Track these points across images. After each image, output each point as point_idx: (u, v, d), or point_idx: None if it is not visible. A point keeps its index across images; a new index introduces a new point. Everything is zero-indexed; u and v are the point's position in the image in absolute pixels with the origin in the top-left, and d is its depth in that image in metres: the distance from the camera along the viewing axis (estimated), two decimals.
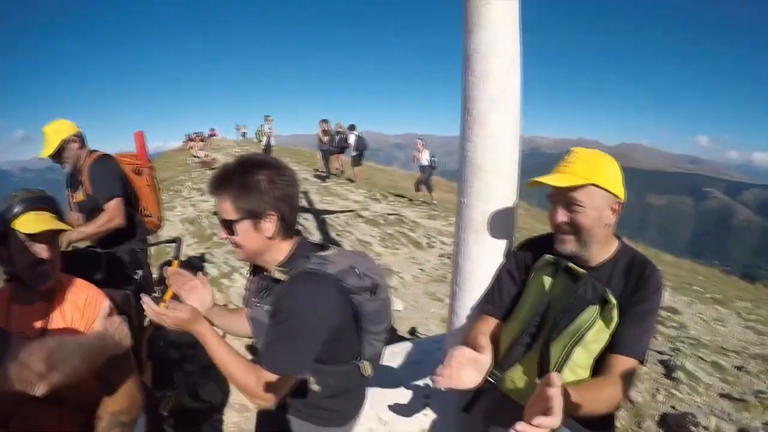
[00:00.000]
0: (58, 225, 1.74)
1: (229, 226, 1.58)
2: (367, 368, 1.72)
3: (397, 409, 2.28)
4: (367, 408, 2.29)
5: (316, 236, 8.28)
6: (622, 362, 1.64)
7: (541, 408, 1.15)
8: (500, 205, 2.10)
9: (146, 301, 1.67)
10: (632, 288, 1.70)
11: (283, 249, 1.64)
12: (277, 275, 1.61)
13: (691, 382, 3.95)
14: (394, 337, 4.80)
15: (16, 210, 1.69)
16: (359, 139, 15.94)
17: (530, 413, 1.17)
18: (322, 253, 1.63)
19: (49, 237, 1.74)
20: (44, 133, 3.35)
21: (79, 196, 3.38)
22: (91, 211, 3.33)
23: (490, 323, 1.96)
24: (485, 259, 2.14)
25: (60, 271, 1.83)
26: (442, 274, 7.08)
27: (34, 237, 1.69)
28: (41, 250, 1.71)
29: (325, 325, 1.53)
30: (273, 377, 1.51)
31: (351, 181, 16.23)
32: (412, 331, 5.00)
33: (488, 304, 2.02)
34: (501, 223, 2.11)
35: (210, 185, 1.60)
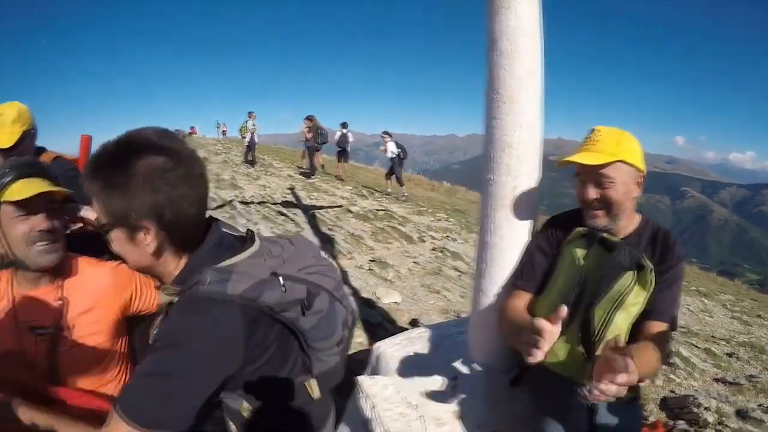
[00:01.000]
0: (52, 188, 1.52)
1: (103, 229, 1.19)
2: (313, 388, 1.34)
3: (426, 392, 2.26)
4: (392, 393, 2.27)
5: (306, 231, 8.23)
6: (657, 327, 1.73)
7: (609, 368, 1.15)
8: (527, 181, 2.13)
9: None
10: (659, 257, 1.80)
11: (180, 261, 1.22)
12: (165, 297, 1.24)
13: (687, 367, 4.12)
14: (395, 329, 4.80)
15: (3, 181, 1.48)
16: (342, 136, 15.96)
17: (601, 375, 1.17)
18: (228, 262, 1.18)
19: (46, 205, 1.52)
20: None
21: None
22: None
23: (524, 298, 2.00)
24: (513, 235, 2.16)
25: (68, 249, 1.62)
26: (436, 267, 7.11)
27: (27, 207, 1.48)
28: (38, 221, 1.50)
29: (212, 370, 1.12)
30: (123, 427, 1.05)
31: (338, 178, 16.17)
32: (414, 323, 4.99)
33: (521, 279, 2.05)
34: (527, 199, 2.13)
35: (83, 171, 1.18)
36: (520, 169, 2.10)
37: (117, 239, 1.16)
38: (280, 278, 1.19)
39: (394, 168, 14.40)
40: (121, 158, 1.09)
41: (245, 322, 1.13)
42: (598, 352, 1.67)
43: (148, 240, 1.13)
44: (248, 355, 1.16)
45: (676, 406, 3.46)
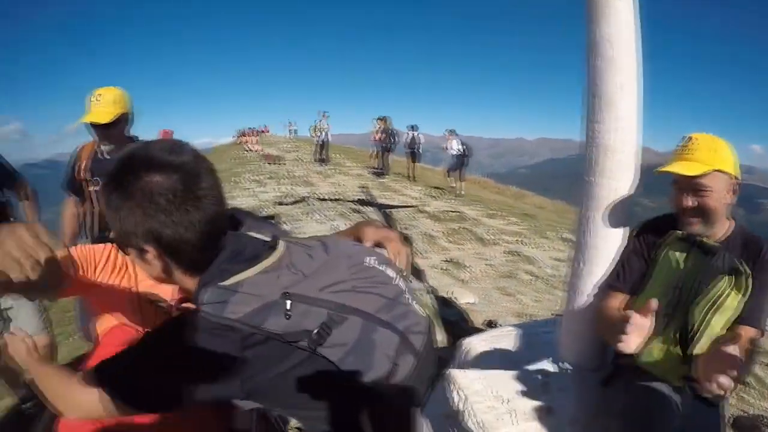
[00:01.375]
0: None
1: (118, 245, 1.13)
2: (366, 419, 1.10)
3: (515, 387, 2.33)
4: (483, 387, 2.35)
5: None
6: (745, 332, 1.76)
7: (718, 365, 1.22)
8: (625, 183, 2.18)
9: None
10: (750, 263, 1.83)
11: (195, 279, 1.10)
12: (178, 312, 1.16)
13: (761, 387, 4.09)
14: (470, 329, 4.86)
15: None
16: (412, 138, 16.08)
17: (710, 371, 1.25)
18: (233, 280, 1.03)
19: None
20: (98, 96, 2.87)
21: None
22: None
23: (619, 299, 2.08)
24: (611, 236, 2.21)
25: None
26: (509, 270, 7.11)
27: None
28: None
29: (188, 386, 1.03)
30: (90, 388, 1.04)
31: (408, 178, 16.31)
32: (490, 324, 5.02)
33: (616, 281, 2.12)
34: (624, 201, 2.19)
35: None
36: (620, 171, 2.16)
37: (132, 255, 1.10)
38: (288, 302, 1.01)
39: (453, 162, 14.48)
40: (119, 179, 1.01)
41: (241, 348, 1.00)
42: (697, 351, 1.75)
43: (154, 261, 1.07)
44: (249, 380, 1.03)
45: (747, 426, 3.47)
